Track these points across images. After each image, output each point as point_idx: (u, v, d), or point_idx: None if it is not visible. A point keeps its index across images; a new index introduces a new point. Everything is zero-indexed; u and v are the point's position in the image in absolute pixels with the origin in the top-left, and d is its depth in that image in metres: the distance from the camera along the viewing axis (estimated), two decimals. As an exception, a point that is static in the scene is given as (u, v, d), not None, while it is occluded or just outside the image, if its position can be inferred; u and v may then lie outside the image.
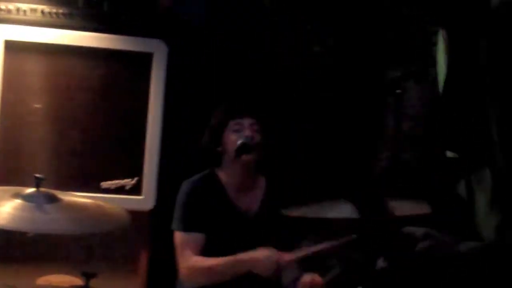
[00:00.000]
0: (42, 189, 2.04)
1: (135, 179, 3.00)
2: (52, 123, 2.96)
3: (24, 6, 2.97)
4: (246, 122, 2.48)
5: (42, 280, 2.66)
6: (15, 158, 2.92)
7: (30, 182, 2.05)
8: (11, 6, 2.96)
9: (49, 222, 1.97)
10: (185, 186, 2.48)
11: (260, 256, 2.29)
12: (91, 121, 3.02)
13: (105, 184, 2.96)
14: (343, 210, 1.87)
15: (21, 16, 2.97)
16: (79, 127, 3.00)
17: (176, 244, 2.41)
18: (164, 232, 2.49)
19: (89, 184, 2.93)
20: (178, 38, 3.11)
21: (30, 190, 2.05)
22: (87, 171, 2.97)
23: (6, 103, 2.92)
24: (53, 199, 2.03)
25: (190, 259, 2.36)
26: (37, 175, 2.04)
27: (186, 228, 2.40)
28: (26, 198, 2.02)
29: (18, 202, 2.01)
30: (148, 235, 2.98)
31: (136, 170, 3.00)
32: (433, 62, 2.44)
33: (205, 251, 2.38)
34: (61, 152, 2.96)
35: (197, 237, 2.39)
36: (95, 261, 2.83)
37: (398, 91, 2.82)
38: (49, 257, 2.71)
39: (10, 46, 2.94)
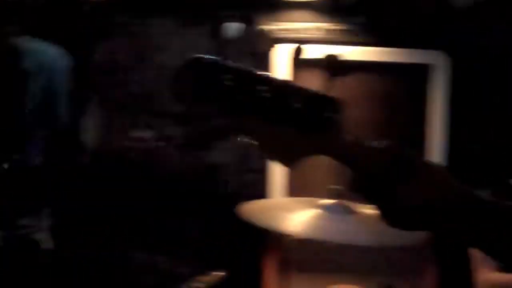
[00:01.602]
0: (341, 200, 2.08)
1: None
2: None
3: (306, 25, 3.10)
4: None
5: (331, 289, 2.72)
6: (304, 171, 3.02)
7: (319, 193, 2.12)
8: (294, 25, 3.10)
9: (349, 233, 2.00)
10: None
11: None
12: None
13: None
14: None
15: (302, 35, 3.10)
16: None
17: (474, 257, 2.30)
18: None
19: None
20: (458, 49, 3.01)
21: (330, 201, 2.10)
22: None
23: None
24: (352, 211, 2.06)
25: (489, 274, 2.24)
26: (337, 186, 2.09)
27: None
28: (327, 208, 2.08)
29: (318, 212, 2.09)
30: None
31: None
32: None
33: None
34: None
35: None
36: (383, 273, 2.82)
37: None
38: (340, 266, 2.76)
39: (298, 64, 3.08)
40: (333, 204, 2.09)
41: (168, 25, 3.48)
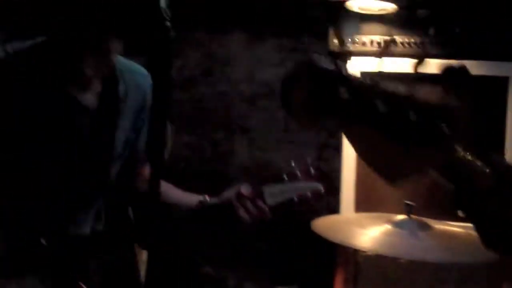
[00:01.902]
0: (413, 216, 2.06)
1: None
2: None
3: (377, 38, 3.07)
4: None
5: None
6: (372, 186, 3.00)
7: (387, 209, 2.09)
8: (365, 38, 3.08)
9: (422, 249, 1.97)
10: None
11: None
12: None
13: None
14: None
15: (374, 48, 3.07)
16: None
17: None
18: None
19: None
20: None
21: (402, 217, 2.08)
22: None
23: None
24: (425, 227, 2.03)
25: None
26: (408, 202, 2.07)
27: None
28: (398, 224, 2.06)
29: (388, 228, 2.07)
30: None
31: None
32: None
33: None
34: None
35: None
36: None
37: None
38: (412, 283, 2.71)
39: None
40: (406, 220, 2.06)
41: (237, 39, 3.52)
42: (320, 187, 1.94)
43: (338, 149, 3.16)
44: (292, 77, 0.88)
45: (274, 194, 1.89)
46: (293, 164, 2.00)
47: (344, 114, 0.85)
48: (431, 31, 3.02)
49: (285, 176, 1.94)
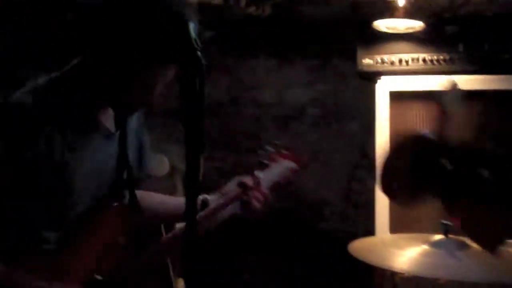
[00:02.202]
0: (450, 236, 2.03)
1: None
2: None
3: (406, 56, 3.06)
4: None
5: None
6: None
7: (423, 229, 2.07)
8: (394, 57, 3.07)
9: (461, 269, 1.94)
10: None
11: None
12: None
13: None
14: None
15: (403, 67, 3.06)
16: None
17: None
18: None
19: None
20: None
21: (439, 236, 2.05)
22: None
23: (395, 151, 3.01)
24: (463, 246, 2.00)
25: None
26: (445, 221, 2.04)
27: None
28: (435, 244, 2.03)
29: (426, 248, 2.04)
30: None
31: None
32: None
33: None
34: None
35: None
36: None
37: None
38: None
39: (395, 95, 3.05)
40: (443, 239, 2.04)
41: (265, 63, 3.55)
42: (295, 165, 2.10)
43: (370, 169, 3.14)
44: (397, 147, 0.86)
45: (265, 180, 1.95)
46: (268, 148, 2.10)
47: (448, 187, 0.82)
48: (460, 47, 3.00)
49: (266, 162, 2.03)
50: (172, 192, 3.38)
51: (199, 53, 1.21)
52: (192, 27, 1.30)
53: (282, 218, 3.51)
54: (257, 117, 3.55)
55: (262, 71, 3.55)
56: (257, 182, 1.90)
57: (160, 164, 3.32)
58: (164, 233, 2.03)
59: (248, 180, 1.90)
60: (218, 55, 3.50)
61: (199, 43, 1.26)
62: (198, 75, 1.18)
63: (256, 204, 1.89)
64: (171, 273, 3.44)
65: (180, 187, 3.37)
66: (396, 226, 2.95)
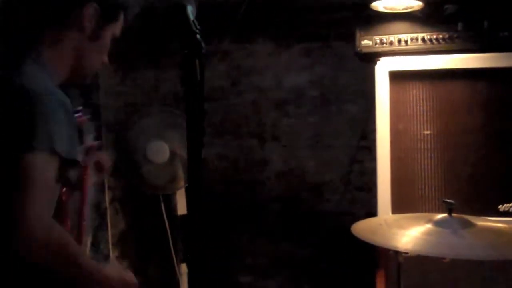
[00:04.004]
0: (454, 214, 2.03)
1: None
2: (443, 148, 2.96)
3: (405, 36, 3.04)
4: None
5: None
6: (408, 186, 2.97)
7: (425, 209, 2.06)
8: (392, 38, 3.05)
9: (466, 247, 1.94)
10: None
11: None
12: (480, 143, 2.93)
13: (503, 207, 2.83)
14: None
15: (402, 47, 3.05)
16: (470, 150, 2.94)
17: None
18: None
19: (487, 207, 2.84)
20: None
21: (442, 215, 2.05)
22: (483, 194, 2.88)
23: (395, 132, 3.00)
24: (467, 224, 2.00)
25: None
26: (448, 200, 2.04)
27: None
28: (439, 223, 2.03)
29: (429, 227, 2.04)
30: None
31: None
32: None
33: None
34: (455, 177, 2.93)
35: None
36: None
37: None
38: (456, 283, 2.68)
39: (395, 76, 3.03)
40: (447, 218, 2.04)
41: (263, 47, 3.53)
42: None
43: (371, 150, 3.14)
44: None
45: None
46: None
47: None
48: (460, 26, 2.98)
49: None
50: (173, 179, 3.38)
51: (198, 36, 1.21)
52: (190, 10, 1.29)
53: (284, 201, 3.51)
54: (257, 102, 3.54)
55: (261, 55, 3.53)
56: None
57: (160, 150, 3.32)
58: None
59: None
60: (216, 41, 3.49)
61: (197, 27, 1.26)
62: (198, 57, 1.17)
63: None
64: (174, 258, 3.46)
65: (181, 173, 3.37)
66: (398, 207, 2.95)
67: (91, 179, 1.94)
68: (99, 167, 1.98)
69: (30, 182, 1.37)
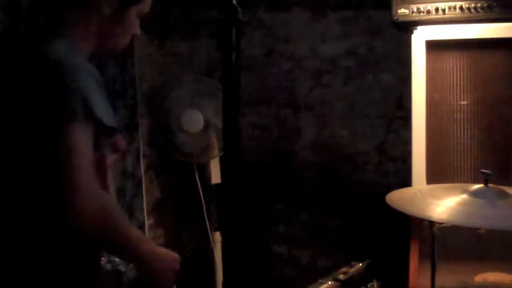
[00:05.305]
0: (490, 185, 2.01)
1: None
2: (480, 118, 2.92)
3: (442, 5, 2.98)
4: None
5: (480, 277, 2.64)
6: (444, 157, 2.95)
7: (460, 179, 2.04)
8: (430, 6, 3.00)
9: (502, 218, 1.92)
10: None
11: None
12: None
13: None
14: None
15: (440, 15, 2.99)
16: (507, 121, 2.90)
17: None
18: None
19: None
20: None
21: (478, 186, 2.04)
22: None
23: (431, 103, 2.97)
24: (503, 195, 1.98)
25: None
26: (485, 170, 2.02)
27: None
28: (475, 194, 2.02)
29: (465, 198, 2.03)
30: None
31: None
32: None
33: None
34: (491, 148, 2.90)
35: None
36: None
37: None
38: (490, 253, 2.66)
39: (431, 46, 2.99)
40: (483, 189, 2.02)
41: (298, 16, 3.50)
42: None
43: (406, 120, 3.11)
44: None
45: None
46: None
47: None
48: (499, -6, 2.92)
49: None
50: (207, 148, 3.41)
51: (234, 1, 1.20)
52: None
53: (318, 171, 3.51)
54: (291, 71, 3.53)
55: (296, 24, 3.51)
56: None
57: (194, 120, 3.33)
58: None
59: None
60: (251, 9, 3.47)
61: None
62: (234, 23, 1.17)
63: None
64: (208, 226, 3.50)
65: (215, 142, 3.39)
66: (433, 178, 2.93)
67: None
68: (115, 149, 1.98)
69: (76, 151, 1.38)
